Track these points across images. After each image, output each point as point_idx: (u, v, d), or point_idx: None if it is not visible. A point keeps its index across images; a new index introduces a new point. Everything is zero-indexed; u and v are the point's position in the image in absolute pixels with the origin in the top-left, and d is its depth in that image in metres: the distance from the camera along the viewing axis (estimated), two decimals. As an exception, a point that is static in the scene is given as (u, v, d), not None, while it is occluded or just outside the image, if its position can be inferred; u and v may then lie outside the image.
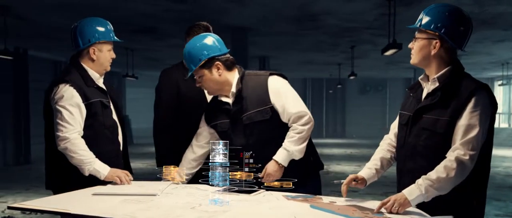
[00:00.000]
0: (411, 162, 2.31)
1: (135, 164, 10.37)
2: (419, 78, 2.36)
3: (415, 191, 2.11)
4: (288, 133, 2.74)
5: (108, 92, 3.11)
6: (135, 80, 15.68)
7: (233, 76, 2.80)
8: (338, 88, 21.49)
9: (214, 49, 2.73)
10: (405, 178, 2.32)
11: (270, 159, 2.74)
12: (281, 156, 2.72)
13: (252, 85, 2.77)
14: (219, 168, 2.33)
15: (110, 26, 3.06)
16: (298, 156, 2.75)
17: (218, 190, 2.55)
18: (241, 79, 2.79)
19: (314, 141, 3.01)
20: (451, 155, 2.11)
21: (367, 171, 2.48)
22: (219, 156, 2.32)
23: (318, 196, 2.51)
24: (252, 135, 2.78)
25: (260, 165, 2.56)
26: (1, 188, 8.47)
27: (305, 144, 2.75)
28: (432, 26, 2.20)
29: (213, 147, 2.32)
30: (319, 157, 3.03)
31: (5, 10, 6.52)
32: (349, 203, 2.32)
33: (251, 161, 2.48)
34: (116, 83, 18.54)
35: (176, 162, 3.00)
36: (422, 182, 2.11)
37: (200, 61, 2.71)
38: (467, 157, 2.08)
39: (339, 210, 2.15)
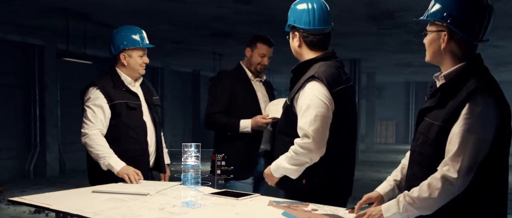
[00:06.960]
0: (409, 168, 2.03)
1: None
2: (434, 75, 2.02)
3: (392, 208, 1.86)
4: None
5: (144, 95, 3.25)
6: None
7: (309, 56, 2.56)
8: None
9: (299, 20, 2.51)
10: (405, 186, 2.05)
11: (278, 152, 2.54)
12: (273, 165, 2.52)
13: (304, 77, 2.49)
14: (191, 170, 2.25)
15: (142, 33, 3.20)
16: (290, 174, 2.44)
17: (212, 192, 2.52)
18: (303, 65, 2.55)
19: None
20: (438, 171, 1.78)
21: (384, 185, 2.22)
22: (191, 158, 2.23)
23: (305, 203, 2.32)
24: (279, 121, 2.71)
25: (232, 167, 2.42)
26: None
27: (297, 167, 2.40)
28: (438, 15, 1.87)
29: (185, 149, 2.23)
30: (324, 182, 2.50)
31: (84, 17, 6.99)
32: (333, 212, 2.15)
33: (223, 163, 2.36)
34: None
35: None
36: (402, 199, 1.83)
37: (288, 24, 2.60)
38: (455, 176, 1.73)
39: (309, 219, 2.01)
